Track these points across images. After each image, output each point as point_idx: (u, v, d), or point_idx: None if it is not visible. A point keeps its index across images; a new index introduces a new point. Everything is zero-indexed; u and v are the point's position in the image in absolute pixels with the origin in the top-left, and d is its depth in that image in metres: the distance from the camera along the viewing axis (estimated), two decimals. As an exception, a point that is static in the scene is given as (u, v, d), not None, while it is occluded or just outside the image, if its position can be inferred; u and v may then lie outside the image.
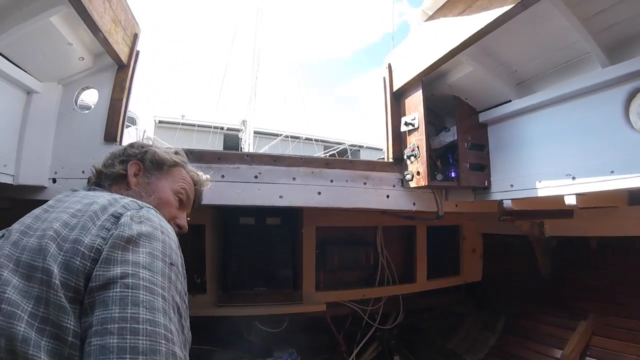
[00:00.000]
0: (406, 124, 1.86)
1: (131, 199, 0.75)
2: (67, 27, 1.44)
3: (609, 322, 1.92)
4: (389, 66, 1.99)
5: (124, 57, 1.64)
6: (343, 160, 2.00)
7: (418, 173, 1.79)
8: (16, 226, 0.67)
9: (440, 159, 1.89)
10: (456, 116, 1.79)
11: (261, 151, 9.32)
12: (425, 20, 1.77)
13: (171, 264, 0.63)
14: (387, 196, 1.88)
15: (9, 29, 1.30)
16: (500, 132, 1.75)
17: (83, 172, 1.61)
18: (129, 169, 0.96)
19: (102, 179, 0.95)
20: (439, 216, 1.99)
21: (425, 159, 1.74)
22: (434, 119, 2.03)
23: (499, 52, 1.56)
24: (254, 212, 2.08)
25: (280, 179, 1.72)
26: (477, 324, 2.52)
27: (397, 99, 1.96)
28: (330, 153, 9.91)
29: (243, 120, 9.71)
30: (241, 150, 9.28)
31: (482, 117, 1.80)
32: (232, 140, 10.24)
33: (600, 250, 2.06)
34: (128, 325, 0.51)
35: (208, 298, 2.09)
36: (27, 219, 0.69)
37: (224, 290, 2.11)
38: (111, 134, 1.62)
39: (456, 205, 1.98)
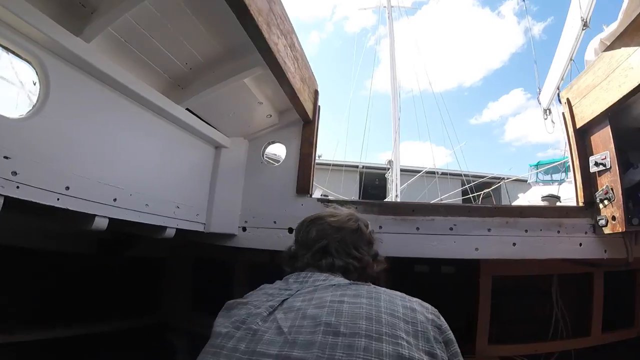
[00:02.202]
0: (596, 164, 1.70)
1: (417, 300, 0.81)
2: (257, 87, 1.53)
3: None
4: (568, 101, 1.85)
5: (309, 113, 1.71)
6: (535, 207, 1.86)
7: (613, 218, 1.61)
8: (316, 317, 0.69)
9: (630, 199, 1.69)
10: (647, 151, 1.59)
11: (401, 187, 9.72)
12: (604, 51, 1.64)
13: None
14: (580, 244, 1.71)
15: (202, 90, 1.39)
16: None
17: (275, 222, 1.65)
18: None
19: (353, 270, 0.95)
20: (628, 263, 1.77)
21: (620, 202, 1.57)
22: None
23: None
24: (428, 260, 1.98)
25: (474, 230, 1.64)
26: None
27: (582, 136, 1.81)
28: (468, 187, 9.77)
29: (389, 160, 10.25)
30: (388, 189, 9.96)
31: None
32: (369, 179, 11.19)
33: None
34: None
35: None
36: (327, 309, 0.71)
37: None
38: (303, 187, 1.67)
39: (643, 250, 1.74)
